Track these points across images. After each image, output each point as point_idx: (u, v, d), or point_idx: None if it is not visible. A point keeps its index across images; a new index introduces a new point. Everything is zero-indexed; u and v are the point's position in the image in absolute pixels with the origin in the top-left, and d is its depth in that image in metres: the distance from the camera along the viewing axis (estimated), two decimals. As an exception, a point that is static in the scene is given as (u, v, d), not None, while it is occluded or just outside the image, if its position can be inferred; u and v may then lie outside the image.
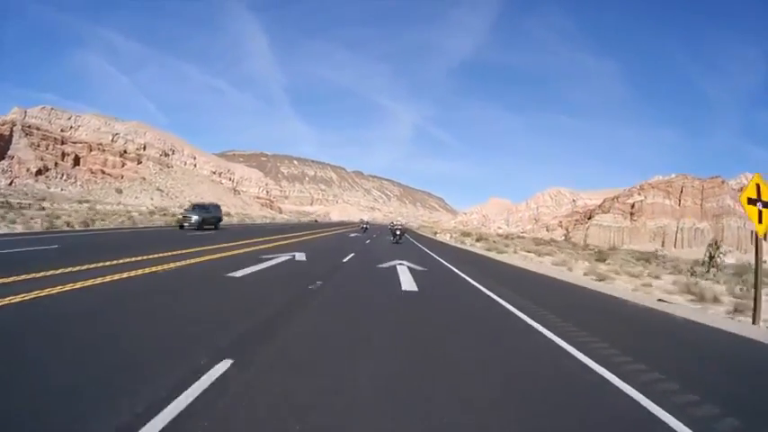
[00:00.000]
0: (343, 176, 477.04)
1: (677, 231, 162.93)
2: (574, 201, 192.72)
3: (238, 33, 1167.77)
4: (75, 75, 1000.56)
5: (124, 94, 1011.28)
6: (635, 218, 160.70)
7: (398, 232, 32.97)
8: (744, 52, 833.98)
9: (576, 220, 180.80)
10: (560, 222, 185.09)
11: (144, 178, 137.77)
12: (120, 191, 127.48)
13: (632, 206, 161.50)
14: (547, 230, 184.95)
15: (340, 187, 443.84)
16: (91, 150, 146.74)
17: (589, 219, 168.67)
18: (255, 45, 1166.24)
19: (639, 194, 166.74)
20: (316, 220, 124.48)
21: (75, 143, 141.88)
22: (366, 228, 49.60)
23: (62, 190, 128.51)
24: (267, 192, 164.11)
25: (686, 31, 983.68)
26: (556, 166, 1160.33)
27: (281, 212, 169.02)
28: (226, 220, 43.11)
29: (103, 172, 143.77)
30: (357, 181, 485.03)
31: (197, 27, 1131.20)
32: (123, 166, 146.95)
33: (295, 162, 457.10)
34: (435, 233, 66.81)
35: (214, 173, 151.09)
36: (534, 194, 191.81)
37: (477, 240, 47.55)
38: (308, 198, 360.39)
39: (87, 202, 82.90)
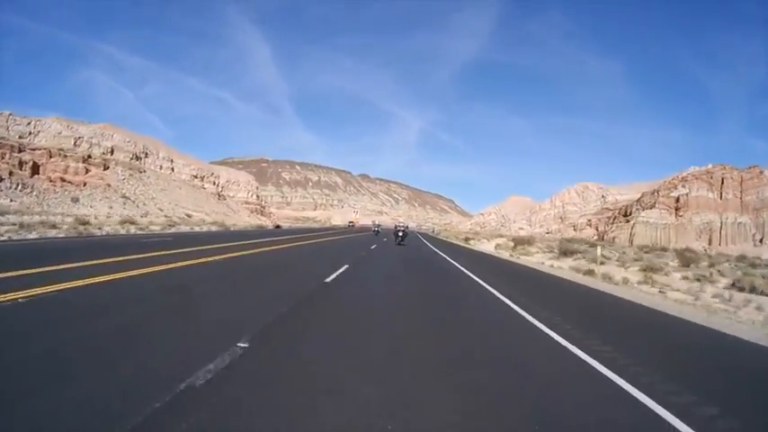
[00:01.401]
0: (348, 180, 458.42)
1: (722, 227, 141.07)
2: (603, 197, 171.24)
3: (241, 45, 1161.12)
4: (79, 92, 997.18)
5: (130, 109, 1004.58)
6: (680, 213, 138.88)
7: (401, 233, 31.23)
8: (746, 45, 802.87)
9: (608, 218, 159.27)
10: (589, 221, 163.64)
11: (109, 185, 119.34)
12: (75, 199, 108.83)
13: (677, 200, 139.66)
14: (574, 230, 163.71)
15: (345, 192, 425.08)
16: (51, 157, 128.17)
17: (625, 216, 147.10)
18: (259, 56, 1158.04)
19: (683, 187, 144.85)
20: (348, 225, 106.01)
21: (33, 150, 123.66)
22: (378, 231, 51.75)
23: (12, 201, 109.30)
24: (257, 196, 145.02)
25: (688, 27, 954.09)
26: (571, 164, 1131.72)
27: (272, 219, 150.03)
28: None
29: (63, 180, 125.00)
30: (363, 185, 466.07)
31: (200, 40, 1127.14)
32: (87, 172, 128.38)
33: (297, 167, 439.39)
34: (468, 240, 46.36)
35: (195, 177, 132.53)
36: (559, 191, 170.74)
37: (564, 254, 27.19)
38: (311, 203, 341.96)
39: (28, 213, 64.50)
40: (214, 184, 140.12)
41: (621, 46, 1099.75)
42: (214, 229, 50.31)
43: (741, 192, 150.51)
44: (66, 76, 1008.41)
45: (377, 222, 64.40)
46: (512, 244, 36.78)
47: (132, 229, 34.14)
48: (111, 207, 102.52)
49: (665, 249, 65.69)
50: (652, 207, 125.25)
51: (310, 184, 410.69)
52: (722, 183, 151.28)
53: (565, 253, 25.75)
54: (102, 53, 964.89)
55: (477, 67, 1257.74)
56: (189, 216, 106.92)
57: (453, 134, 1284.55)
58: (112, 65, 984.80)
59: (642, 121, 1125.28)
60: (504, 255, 25.24)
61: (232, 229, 50.59)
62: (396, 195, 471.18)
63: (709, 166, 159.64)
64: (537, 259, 23.30)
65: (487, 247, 36.33)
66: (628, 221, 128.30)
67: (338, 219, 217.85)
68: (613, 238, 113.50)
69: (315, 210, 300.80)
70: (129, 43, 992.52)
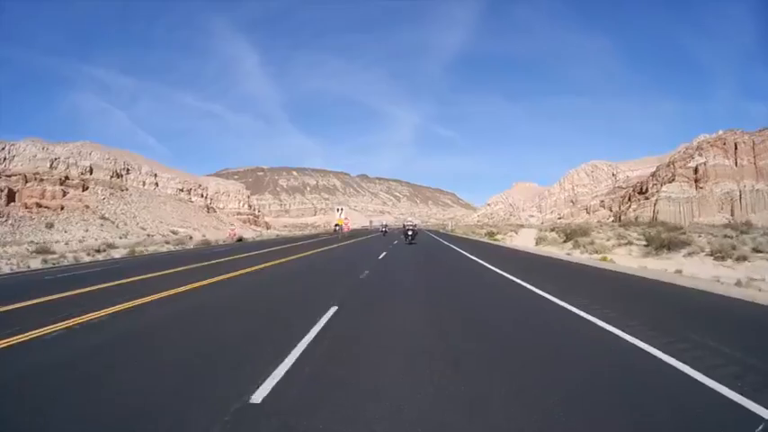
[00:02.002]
0: (347, 182, 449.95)
1: (740, 196, 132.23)
2: (614, 174, 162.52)
3: (229, 56, 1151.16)
4: (70, 116, 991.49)
5: (122, 129, 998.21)
6: (700, 185, 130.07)
7: (410, 232, 31.26)
8: (731, 11, 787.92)
9: (622, 197, 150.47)
10: (602, 202, 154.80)
11: (87, 206, 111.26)
12: (50, 225, 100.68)
13: (695, 171, 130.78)
14: (587, 212, 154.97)
15: (345, 194, 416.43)
16: (27, 182, 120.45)
17: (642, 193, 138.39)
18: (248, 65, 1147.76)
19: (700, 155, 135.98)
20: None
21: (9, 176, 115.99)
22: (385, 231, 51.08)
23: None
24: (249, 205, 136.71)
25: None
26: (572, 147, 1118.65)
27: (268, 228, 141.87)
28: None
29: (40, 205, 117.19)
30: (363, 185, 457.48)
31: (187, 54, 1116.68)
32: (65, 195, 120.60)
33: (294, 173, 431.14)
34: (493, 235, 36.89)
35: (181, 190, 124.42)
36: (567, 173, 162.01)
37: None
38: (310, 209, 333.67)
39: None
40: (202, 196, 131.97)
41: (607, 21, 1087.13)
42: (170, 249, 41.87)
43: (754, 157, 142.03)
44: (56, 100, 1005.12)
45: (384, 223, 64.66)
46: (552, 235, 27.78)
47: (68, 259, 25.79)
48: (86, 230, 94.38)
49: (689, 225, 56.65)
50: (671, 180, 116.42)
51: (308, 189, 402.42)
52: (735, 149, 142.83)
53: (663, 246, 17.11)
54: (90, 75, 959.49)
55: (466, 57, 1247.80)
56: (174, 232, 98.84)
57: (449, 127, 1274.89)
58: (102, 86, 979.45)
59: (639, 95, 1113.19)
60: (575, 255, 16.74)
61: (192, 246, 41.86)
62: (396, 193, 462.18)
63: (720, 132, 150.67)
64: (637, 263, 14.84)
65: (523, 242, 27.89)
66: (647, 198, 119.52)
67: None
68: (636, 217, 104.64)
69: (315, 215, 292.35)
70: (116, 63, 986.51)
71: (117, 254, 30.13)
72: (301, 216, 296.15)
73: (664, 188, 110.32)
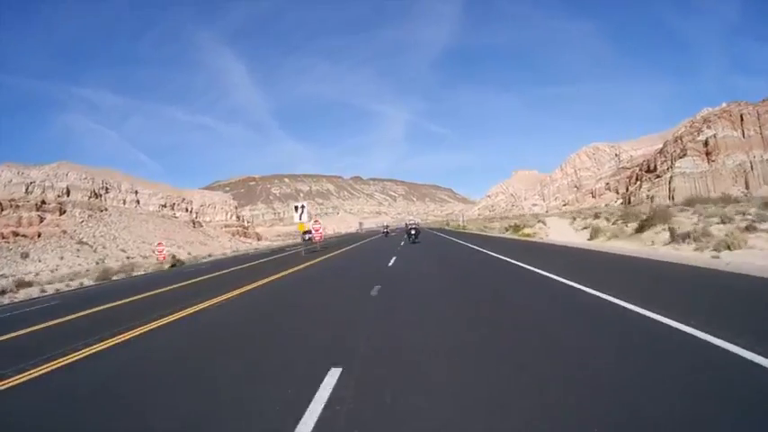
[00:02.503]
0: (341, 186, 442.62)
1: (751, 167, 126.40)
2: (616, 155, 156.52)
3: (216, 68, 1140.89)
4: (61, 138, 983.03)
5: (114, 148, 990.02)
6: (712, 158, 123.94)
7: (413, 231, 31.64)
8: None
9: (629, 177, 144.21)
10: (607, 184, 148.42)
11: (65, 231, 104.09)
12: (25, 255, 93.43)
13: (705, 144, 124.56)
14: (593, 197, 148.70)
15: (339, 197, 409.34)
16: (2, 210, 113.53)
17: (651, 171, 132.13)
18: (235, 75, 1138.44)
19: (708, 128, 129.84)
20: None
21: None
22: (387, 232, 52.22)
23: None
24: (237, 216, 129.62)
25: None
26: (567, 134, 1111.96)
27: (259, 239, 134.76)
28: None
29: (16, 234, 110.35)
30: (357, 187, 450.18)
31: (174, 69, 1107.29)
32: (42, 221, 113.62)
33: (286, 180, 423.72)
34: (518, 229, 29.22)
35: (164, 206, 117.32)
36: (568, 157, 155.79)
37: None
38: (305, 216, 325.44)
39: None
40: (187, 210, 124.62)
41: (590, 4, 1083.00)
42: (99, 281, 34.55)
43: (760, 127, 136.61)
44: (47, 122, 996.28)
45: (385, 224, 62.55)
46: (603, 224, 20.72)
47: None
48: (61, 258, 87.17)
49: (705, 200, 49.98)
50: (682, 156, 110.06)
51: (301, 195, 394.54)
52: (741, 120, 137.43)
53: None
54: (78, 96, 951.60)
55: (453, 50, 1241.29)
56: (144, 256, 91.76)
57: (441, 122, 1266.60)
58: (90, 106, 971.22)
59: (630, 76, 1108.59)
60: (693, 255, 10.12)
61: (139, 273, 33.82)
62: (392, 192, 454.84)
63: (724, 104, 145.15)
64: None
65: (565, 235, 21.10)
66: (659, 176, 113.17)
67: (331, 228, 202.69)
68: (650, 197, 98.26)
69: (309, 221, 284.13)
70: (104, 83, 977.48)
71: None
72: (294, 225, 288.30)
73: (677, 164, 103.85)
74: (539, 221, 36.01)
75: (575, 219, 32.70)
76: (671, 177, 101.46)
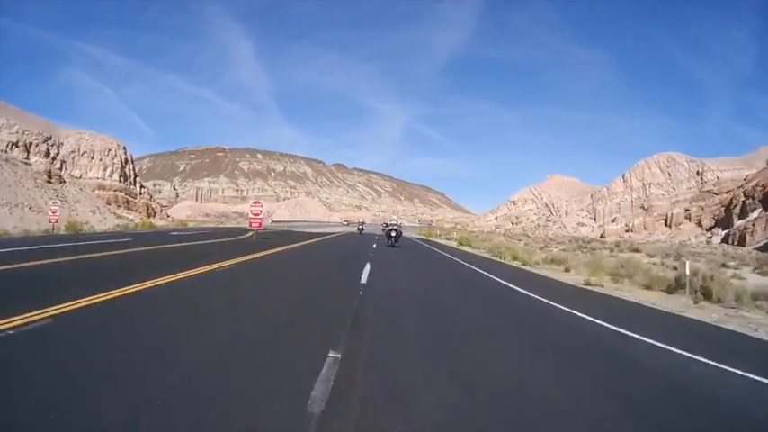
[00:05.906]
0: (320, 171, 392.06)
1: None
2: (698, 173, 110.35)
3: (223, 43, 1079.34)
4: (61, 92, 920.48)
5: (111, 109, 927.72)
6: None
7: (393, 233, 26.61)
8: (731, 34, 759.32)
9: (719, 205, 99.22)
10: (687, 211, 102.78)
11: None
12: None
13: None
14: (667, 224, 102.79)
15: (316, 183, 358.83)
16: None
17: (762, 201, 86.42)
18: (241, 53, 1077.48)
19: None
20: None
21: None
22: (362, 229, 49.29)
23: None
24: (124, 176, 79.88)
25: (673, 16, 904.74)
26: (555, 156, 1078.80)
27: (168, 217, 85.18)
28: None
29: None
30: (338, 175, 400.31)
31: (181, 38, 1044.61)
32: None
33: (259, 156, 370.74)
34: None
35: (16, 144, 66.60)
36: (636, 164, 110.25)
37: None
38: (272, 197, 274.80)
39: None
40: (48, 155, 74.48)
41: (606, 35, 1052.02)
42: None
43: None
44: (47, 76, 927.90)
45: (361, 220, 60.16)
46: None
47: None
48: None
49: None
50: None
51: (273, 174, 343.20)
52: None
53: None
54: (82, 52, 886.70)
55: (461, 60, 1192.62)
56: None
57: (438, 127, 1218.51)
58: (93, 64, 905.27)
59: (626, 109, 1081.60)
60: None
61: None
62: (378, 188, 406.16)
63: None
64: None
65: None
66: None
67: (285, 214, 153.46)
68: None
69: (276, 203, 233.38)
70: (108, 42, 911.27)
71: None
72: (240, 203, 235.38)
73: None
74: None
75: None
76: None
